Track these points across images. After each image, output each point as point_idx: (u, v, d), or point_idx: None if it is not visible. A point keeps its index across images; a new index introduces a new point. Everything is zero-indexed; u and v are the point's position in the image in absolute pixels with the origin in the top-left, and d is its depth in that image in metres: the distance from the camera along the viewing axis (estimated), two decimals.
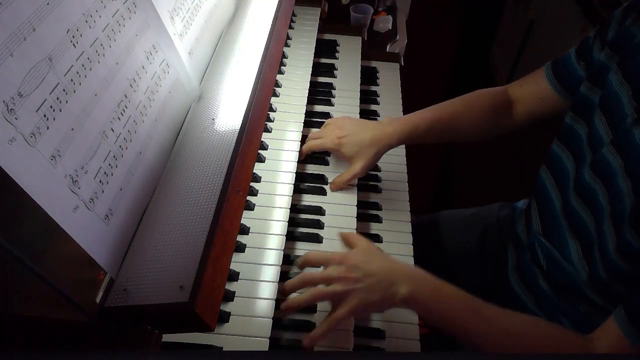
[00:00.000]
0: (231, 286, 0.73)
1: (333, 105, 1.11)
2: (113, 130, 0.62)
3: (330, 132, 0.94)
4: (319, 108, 1.10)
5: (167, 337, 0.65)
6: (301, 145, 0.95)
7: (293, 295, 0.71)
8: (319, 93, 1.13)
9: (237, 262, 0.76)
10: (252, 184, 0.86)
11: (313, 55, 1.16)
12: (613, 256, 0.67)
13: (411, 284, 0.67)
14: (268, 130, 0.96)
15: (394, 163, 1.04)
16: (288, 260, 0.81)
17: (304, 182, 0.94)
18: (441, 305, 0.67)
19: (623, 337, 0.60)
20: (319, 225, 0.87)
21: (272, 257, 0.77)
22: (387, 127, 0.91)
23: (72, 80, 0.55)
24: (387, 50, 1.45)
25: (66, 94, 0.54)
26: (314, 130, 1.04)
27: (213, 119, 0.81)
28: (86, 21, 0.59)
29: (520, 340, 0.66)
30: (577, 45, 0.86)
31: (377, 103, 1.19)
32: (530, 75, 0.95)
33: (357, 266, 0.68)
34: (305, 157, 0.98)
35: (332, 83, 1.16)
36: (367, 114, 1.15)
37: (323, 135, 0.95)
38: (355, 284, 0.67)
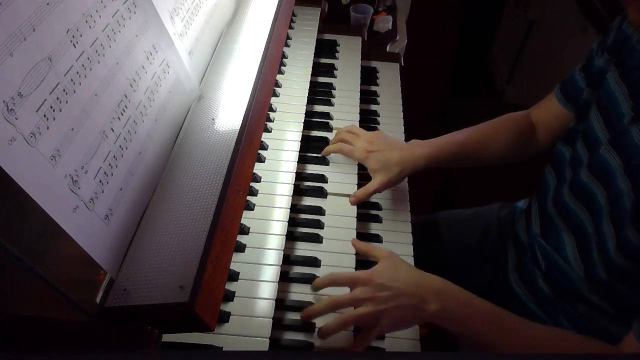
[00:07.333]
0: (231, 286, 0.73)
1: (333, 105, 1.11)
2: (113, 130, 0.62)
3: (361, 144, 0.94)
4: (319, 108, 1.10)
5: (167, 337, 0.65)
6: (301, 145, 0.95)
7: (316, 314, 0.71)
8: (319, 93, 1.13)
9: (237, 262, 0.76)
10: (252, 184, 0.86)
11: (313, 55, 1.16)
12: (613, 255, 0.67)
13: (440, 300, 0.67)
14: (268, 130, 0.96)
15: None
16: (288, 260, 0.81)
17: (304, 182, 0.94)
18: (470, 320, 0.67)
19: None
20: (319, 225, 0.87)
21: (272, 257, 0.77)
22: (416, 148, 0.92)
23: (72, 80, 0.55)
24: (387, 50, 1.45)
25: (66, 94, 0.54)
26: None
27: (213, 119, 0.81)
28: (86, 21, 0.59)
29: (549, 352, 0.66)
30: (583, 62, 0.88)
31: (377, 103, 1.19)
32: (546, 97, 0.98)
33: (385, 285, 0.67)
34: (305, 157, 0.98)
35: (332, 83, 1.16)
36: (367, 113, 1.15)
37: (354, 144, 0.94)
38: (384, 303, 0.66)
